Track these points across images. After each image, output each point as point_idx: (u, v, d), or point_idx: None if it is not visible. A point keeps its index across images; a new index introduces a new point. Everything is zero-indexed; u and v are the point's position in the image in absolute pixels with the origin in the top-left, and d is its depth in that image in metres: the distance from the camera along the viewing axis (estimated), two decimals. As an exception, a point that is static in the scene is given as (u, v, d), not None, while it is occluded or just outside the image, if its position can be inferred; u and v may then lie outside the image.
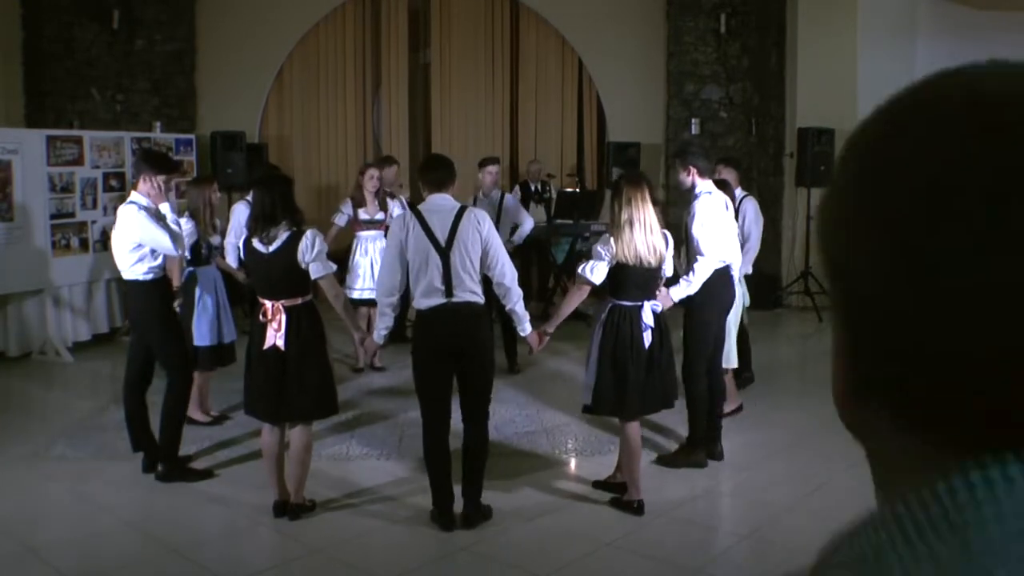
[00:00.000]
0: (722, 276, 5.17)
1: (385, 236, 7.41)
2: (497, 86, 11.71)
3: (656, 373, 4.45)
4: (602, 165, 11.41)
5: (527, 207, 10.34)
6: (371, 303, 7.23)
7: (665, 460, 5.34)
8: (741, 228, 6.82)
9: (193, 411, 6.02)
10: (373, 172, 7.52)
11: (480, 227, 4.26)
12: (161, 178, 4.96)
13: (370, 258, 7.38)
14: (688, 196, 5.24)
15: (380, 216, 7.46)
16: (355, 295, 7.07)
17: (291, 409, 4.40)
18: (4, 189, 7.71)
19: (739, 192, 7.13)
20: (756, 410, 6.36)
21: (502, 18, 11.65)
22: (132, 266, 4.91)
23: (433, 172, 4.40)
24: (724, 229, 5.15)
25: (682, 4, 11.16)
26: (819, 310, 10.05)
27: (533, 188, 10.59)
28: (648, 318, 4.42)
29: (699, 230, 4.97)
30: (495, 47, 11.68)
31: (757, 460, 5.42)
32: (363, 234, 7.42)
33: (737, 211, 6.94)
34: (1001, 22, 12.08)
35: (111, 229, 8.49)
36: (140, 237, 4.84)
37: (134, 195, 4.98)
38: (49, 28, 10.39)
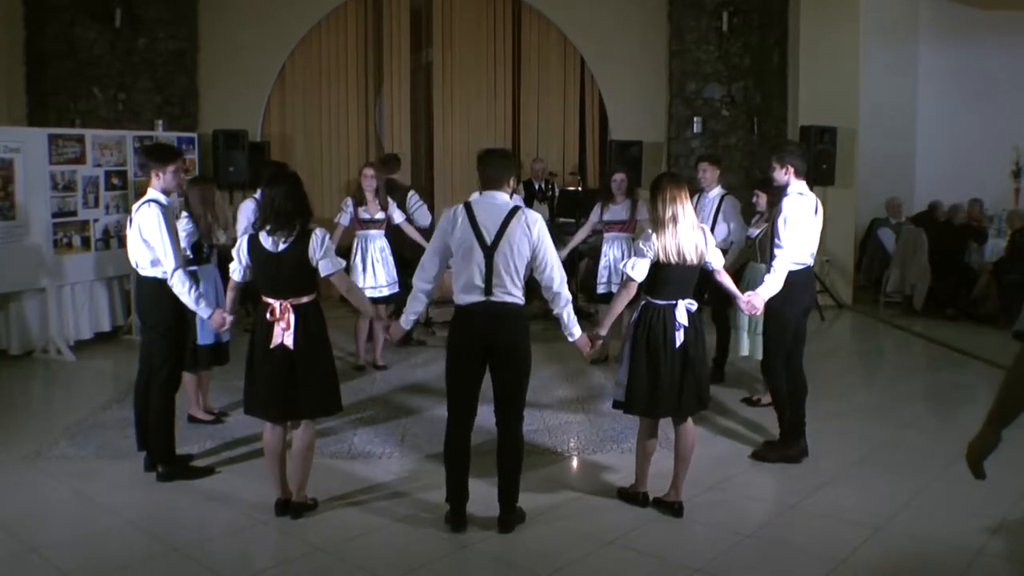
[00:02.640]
0: (804, 276, 5.27)
1: (385, 235, 7.45)
2: (499, 85, 11.71)
3: (690, 373, 4.42)
4: (604, 164, 11.40)
5: (530, 206, 10.37)
6: (373, 302, 7.27)
7: (759, 455, 5.39)
8: (713, 223, 6.93)
9: (195, 410, 6.04)
10: (367, 171, 7.50)
11: (530, 230, 4.19)
12: (170, 168, 4.99)
13: (371, 257, 7.36)
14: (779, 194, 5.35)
15: (380, 215, 7.45)
16: None
17: (296, 407, 4.40)
18: (6, 188, 7.71)
19: (718, 190, 7.16)
20: (759, 409, 6.37)
21: (504, 17, 11.65)
22: (151, 264, 4.91)
23: (482, 169, 4.33)
24: (809, 230, 5.20)
25: (684, 3, 11.16)
26: (821, 309, 10.05)
27: (537, 187, 10.61)
28: (682, 317, 4.40)
29: (782, 226, 5.06)
30: (497, 46, 11.68)
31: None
32: (363, 233, 7.42)
33: (718, 209, 7.02)
34: (1001, 22, 12.09)
35: (114, 227, 8.59)
36: (150, 237, 4.83)
37: (152, 192, 4.96)
38: (51, 27, 10.40)
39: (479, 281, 4.16)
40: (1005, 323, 9.57)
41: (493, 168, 4.29)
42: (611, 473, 5.13)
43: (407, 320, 4.45)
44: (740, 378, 7.12)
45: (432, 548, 4.19)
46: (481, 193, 4.31)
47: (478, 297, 4.18)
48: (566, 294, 4.30)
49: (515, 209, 4.23)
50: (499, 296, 4.17)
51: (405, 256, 7.51)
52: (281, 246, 4.31)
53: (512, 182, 4.44)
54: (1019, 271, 9.63)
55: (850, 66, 10.64)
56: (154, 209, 4.85)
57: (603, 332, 4.54)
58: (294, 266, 4.33)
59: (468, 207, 4.23)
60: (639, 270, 4.39)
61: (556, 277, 4.26)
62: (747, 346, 6.43)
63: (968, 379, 7.70)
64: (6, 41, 10.17)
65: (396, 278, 7.44)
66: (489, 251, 4.15)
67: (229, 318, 4.84)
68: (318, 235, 4.36)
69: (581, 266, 9.91)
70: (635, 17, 11.39)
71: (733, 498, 4.82)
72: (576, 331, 4.37)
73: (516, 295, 4.21)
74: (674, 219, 4.35)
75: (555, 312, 4.35)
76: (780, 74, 11.12)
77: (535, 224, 4.22)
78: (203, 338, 5.81)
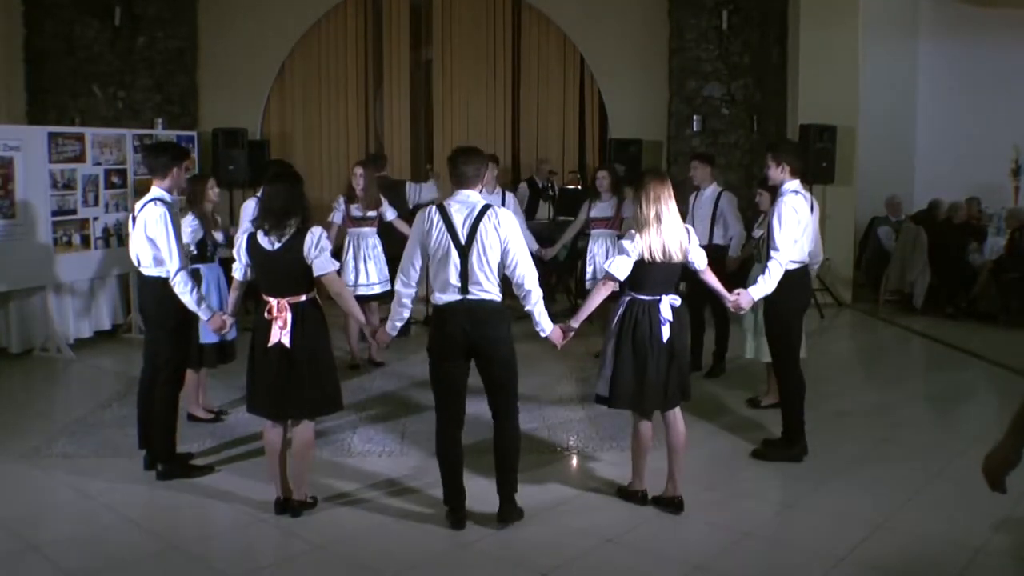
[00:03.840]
0: (801, 275, 5.29)
1: (378, 234, 7.47)
2: (499, 83, 11.71)
3: (675, 367, 4.46)
4: (604, 162, 11.40)
5: (536, 204, 10.41)
6: (365, 299, 7.29)
7: (759, 454, 5.40)
8: (711, 220, 7.00)
9: (195, 408, 6.04)
10: (357, 170, 7.53)
11: (500, 227, 4.20)
12: (184, 164, 5.07)
13: (363, 255, 7.37)
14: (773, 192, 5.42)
15: (372, 213, 7.46)
16: None
17: (295, 406, 4.40)
18: (6, 186, 7.71)
19: (715, 187, 7.23)
20: (759, 408, 6.37)
21: (504, 15, 11.65)
22: (154, 263, 4.90)
23: (454, 168, 4.32)
24: (804, 228, 5.20)
25: (684, 1, 11.15)
26: (820, 307, 10.05)
27: (540, 185, 10.65)
28: (666, 312, 4.42)
29: (776, 226, 5.06)
30: (497, 44, 11.68)
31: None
32: (355, 231, 7.43)
33: (715, 206, 7.08)
34: (1001, 19, 12.08)
35: (114, 226, 8.59)
36: (155, 237, 4.83)
37: (156, 190, 4.96)
38: (51, 25, 10.40)
39: (455, 280, 4.18)
40: (1005, 322, 9.59)
41: (467, 167, 4.29)
42: (610, 471, 5.13)
43: (392, 326, 4.46)
44: (741, 378, 7.13)
45: (432, 545, 4.20)
46: (456, 192, 4.31)
47: (455, 296, 4.20)
48: (537, 291, 4.31)
49: (486, 207, 4.25)
50: (476, 294, 4.19)
51: (391, 254, 7.56)
52: (277, 245, 4.32)
53: (484, 180, 4.43)
54: (1019, 270, 9.63)
55: (850, 64, 10.64)
56: (161, 208, 4.85)
57: (575, 324, 4.54)
58: (290, 265, 4.33)
59: (441, 208, 4.25)
60: (621, 269, 4.41)
61: (527, 274, 4.25)
62: (752, 348, 6.42)
63: (968, 377, 7.70)
64: (5, 39, 10.17)
65: (388, 276, 7.47)
66: (463, 250, 4.16)
67: (229, 320, 4.86)
68: (314, 234, 4.35)
69: (580, 265, 9.93)
70: (635, 15, 11.39)
71: (733, 496, 4.83)
72: (548, 326, 4.39)
73: (492, 292, 4.23)
74: (658, 218, 4.37)
75: (526, 309, 4.36)
76: (780, 72, 11.11)
77: (505, 220, 4.24)
78: (205, 337, 5.80)
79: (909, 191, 12.26)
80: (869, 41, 11.17)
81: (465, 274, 4.17)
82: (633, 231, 4.43)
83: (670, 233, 4.38)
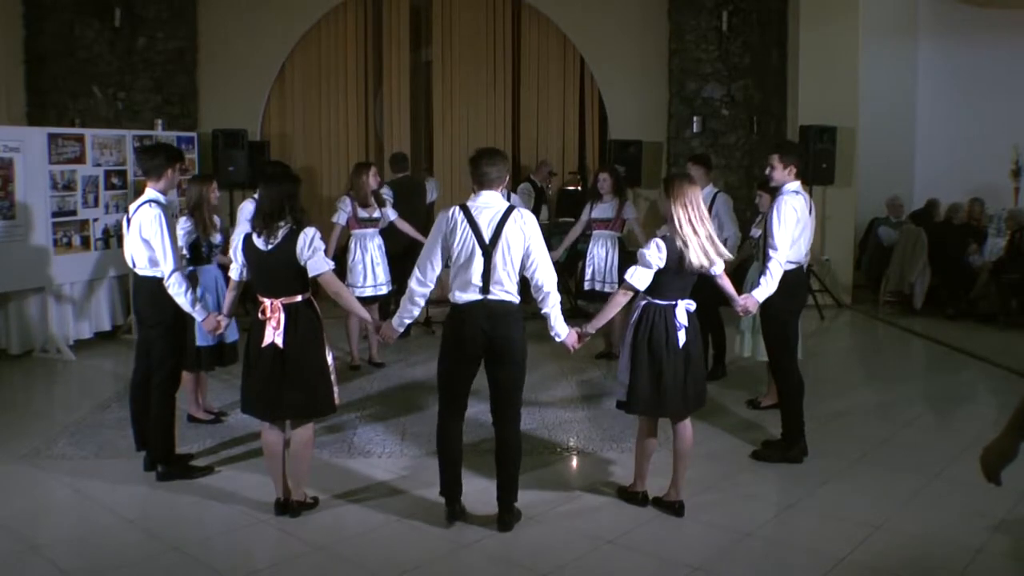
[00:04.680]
0: (797, 276, 5.30)
1: (381, 234, 7.49)
2: (499, 84, 11.71)
3: (692, 372, 4.44)
4: (604, 163, 11.40)
5: (539, 205, 10.43)
6: (373, 300, 7.29)
7: (759, 454, 5.39)
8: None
9: (194, 409, 6.04)
10: (375, 171, 7.57)
11: (525, 228, 4.22)
12: (180, 165, 5.08)
13: (371, 256, 7.39)
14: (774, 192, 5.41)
15: (377, 214, 7.48)
16: (356, 292, 7.07)
17: (289, 407, 4.39)
18: (6, 187, 7.71)
19: (710, 188, 7.24)
20: (759, 409, 6.37)
21: (504, 16, 11.65)
22: (149, 264, 4.90)
23: (477, 169, 4.30)
24: (802, 229, 5.20)
25: (684, 2, 11.16)
26: (820, 308, 10.04)
27: (539, 186, 10.67)
28: (682, 317, 4.40)
29: (776, 224, 5.06)
30: (497, 45, 11.68)
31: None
32: (361, 232, 7.43)
33: (711, 208, 7.11)
34: (1001, 20, 12.07)
35: (114, 227, 8.59)
36: (150, 238, 4.83)
37: (151, 192, 4.96)
38: (50, 26, 10.40)
39: (477, 280, 4.18)
40: (1004, 322, 9.59)
41: (491, 168, 4.29)
42: (610, 472, 5.14)
43: (400, 322, 4.45)
44: (741, 379, 7.12)
45: (431, 547, 4.19)
46: (477, 193, 4.31)
47: (475, 295, 4.20)
48: (556, 294, 4.31)
49: (511, 209, 4.26)
50: (496, 294, 4.20)
51: (392, 252, 7.65)
52: (270, 245, 4.31)
53: (508, 182, 4.43)
54: (1018, 271, 9.63)
55: (849, 65, 10.64)
56: (155, 210, 4.85)
57: (591, 330, 4.52)
58: (283, 265, 4.32)
59: (465, 209, 4.25)
60: (641, 280, 4.38)
61: (546, 276, 4.27)
62: (749, 347, 6.43)
63: (967, 378, 7.70)
64: (5, 40, 10.17)
65: (391, 276, 7.51)
66: (488, 250, 4.17)
67: (225, 321, 4.84)
68: (307, 234, 4.34)
69: (580, 266, 9.92)
70: (635, 16, 11.39)
71: (733, 497, 4.82)
72: (563, 331, 4.39)
73: (512, 293, 4.24)
74: (700, 224, 4.33)
75: (543, 311, 4.35)
76: (780, 73, 11.12)
77: (530, 222, 4.26)
78: (201, 339, 5.79)
79: (909, 191, 12.25)
80: (869, 41, 11.17)
81: (488, 274, 4.17)
82: (659, 240, 4.36)
83: (701, 242, 4.33)
